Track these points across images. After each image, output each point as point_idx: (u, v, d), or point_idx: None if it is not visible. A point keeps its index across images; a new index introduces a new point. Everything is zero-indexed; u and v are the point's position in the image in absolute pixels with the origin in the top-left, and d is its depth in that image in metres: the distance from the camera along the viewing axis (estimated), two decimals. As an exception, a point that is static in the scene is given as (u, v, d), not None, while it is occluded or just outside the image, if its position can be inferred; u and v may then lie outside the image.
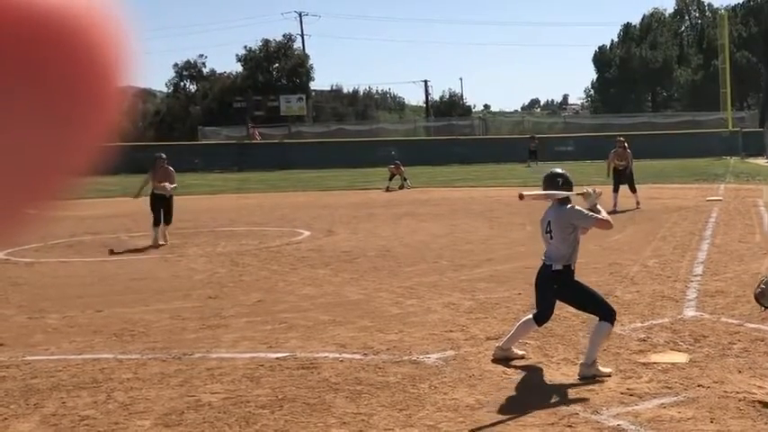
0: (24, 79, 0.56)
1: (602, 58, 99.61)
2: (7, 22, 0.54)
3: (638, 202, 23.40)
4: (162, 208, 18.63)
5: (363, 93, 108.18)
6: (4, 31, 0.54)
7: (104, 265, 15.78)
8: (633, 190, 23.68)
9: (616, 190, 23.47)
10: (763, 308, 7.80)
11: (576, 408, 6.80)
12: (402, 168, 37.51)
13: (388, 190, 35.44)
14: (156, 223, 18.59)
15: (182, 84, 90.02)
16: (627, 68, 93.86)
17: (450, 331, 9.54)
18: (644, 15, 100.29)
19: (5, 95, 0.55)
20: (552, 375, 7.71)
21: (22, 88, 0.56)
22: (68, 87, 0.57)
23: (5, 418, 6.95)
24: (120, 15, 0.60)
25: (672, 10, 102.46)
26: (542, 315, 8.23)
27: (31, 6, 0.55)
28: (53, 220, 0.64)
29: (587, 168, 44.97)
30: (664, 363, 8.00)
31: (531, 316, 8.32)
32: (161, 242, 18.39)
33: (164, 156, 19.33)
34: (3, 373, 8.24)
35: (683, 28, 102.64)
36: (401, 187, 36.12)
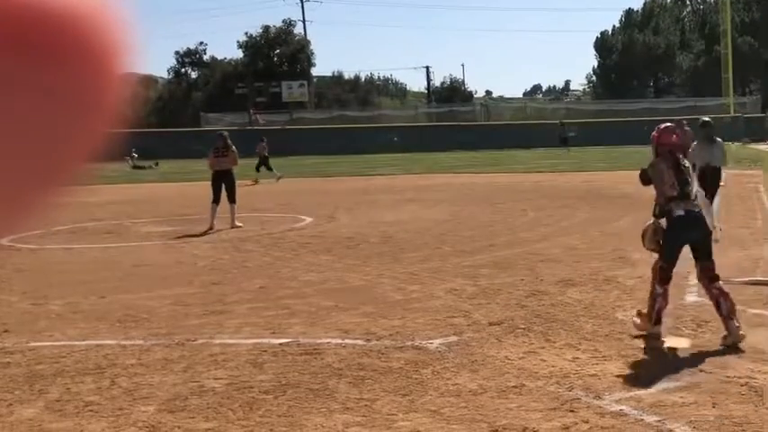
0: (29, 69, 0.56)
1: (603, 44, 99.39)
2: (10, 15, 0.55)
3: None
4: (223, 185, 18.41)
5: (365, 79, 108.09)
6: (6, 25, 0.55)
7: (107, 251, 15.80)
8: None
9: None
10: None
11: (579, 393, 6.82)
12: (266, 154, 34.25)
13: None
14: (216, 201, 18.38)
15: (183, 71, 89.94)
16: (629, 54, 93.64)
17: (453, 317, 9.55)
18: (645, 1, 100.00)
19: (11, 85, 0.56)
20: (555, 360, 7.73)
21: (28, 78, 0.57)
22: (74, 76, 0.58)
23: (10, 404, 6.98)
24: (121, 2, 0.60)
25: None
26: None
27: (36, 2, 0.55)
28: (63, 206, 0.65)
29: (589, 154, 44.93)
30: (666, 348, 8.02)
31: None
32: (235, 224, 18.20)
33: (225, 133, 19.31)
34: (7, 359, 8.27)
35: (684, 13, 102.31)
36: (258, 165, 33.31)
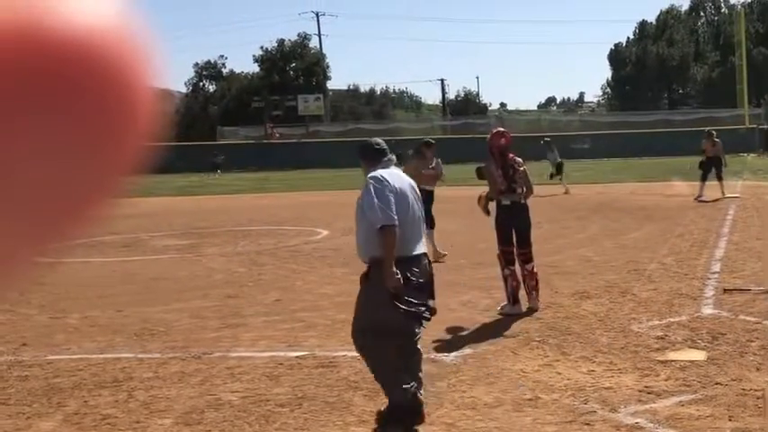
0: (60, 94, 0.59)
1: (618, 56, 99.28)
2: (33, 50, 0.58)
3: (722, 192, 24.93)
4: (428, 206, 14.70)
5: (380, 92, 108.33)
6: (31, 60, 0.57)
7: (124, 264, 15.87)
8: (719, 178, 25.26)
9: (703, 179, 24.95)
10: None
11: (594, 406, 6.82)
12: None
13: None
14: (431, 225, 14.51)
15: (201, 84, 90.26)
16: (643, 66, 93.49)
17: (468, 329, 9.57)
18: (660, 12, 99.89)
19: (43, 110, 0.59)
20: (570, 373, 7.73)
21: (59, 102, 0.59)
22: (104, 96, 0.61)
23: (29, 417, 7.03)
24: (143, 25, 0.63)
25: (688, 7, 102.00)
26: None
27: (54, 29, 0.58)
28: (107, 219, 0.69)
29: (603, 166, 44.83)
30: (682, 360, 8.01)
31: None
32: (442, 251, 15.11)
33: (432, 141, 15.83)
34: (26, 372, 8.32)
35: (699, 25, 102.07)
36: None
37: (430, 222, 14.32)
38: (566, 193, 28.64)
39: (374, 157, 6.88)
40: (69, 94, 0.58)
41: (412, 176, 14.05)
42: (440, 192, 15.98)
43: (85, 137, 0.60)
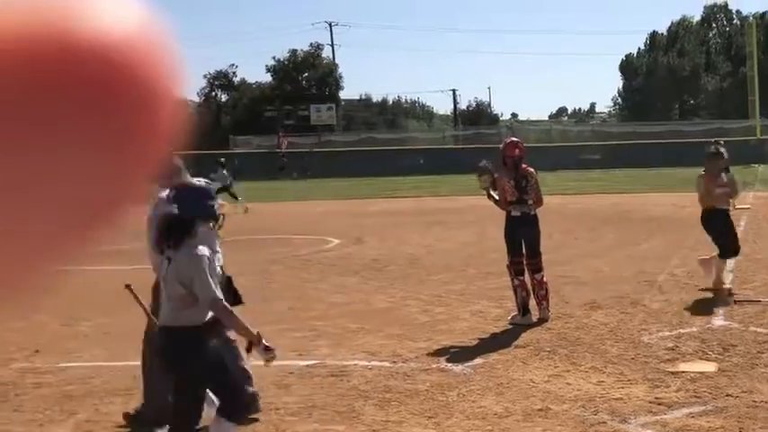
0: (90, 112, 0.62)
1: (629, 67, 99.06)
2: (60, 56, 0.60)
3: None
4: (726, 231, 12.29)
5: (392, 102, 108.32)
6: (58, 67, 0.60)
7: (135, 272, 15.87)
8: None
9: None
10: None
11: (604, 416, 6.83)
12: None
13: None
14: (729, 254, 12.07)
15: (213, 93, 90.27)
16: (654, 76, 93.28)
17: (478, 339, 9.58)
18: (671, 23, 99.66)
19: (76, 129, 0.61)
20: (580, 384, 7.74)
21: (89, 109, 0.62)
22: (129, 110, 0.63)
23: (41, 425, 7.07)
24: (166, 32, 0.66)
25: (699, 18, 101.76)
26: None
27: (82, 37, 0.61)
28: (124, 223, 0.72)
29: (614, 177, 44.69)
30: (692, 372, 8.01)
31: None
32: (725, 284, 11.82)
33: (721, 142, 13.00)
34: (39, 379, 8.36)
35: (710, 35, 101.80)
36: None
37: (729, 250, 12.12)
38: (246, 211, 28.43)
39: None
40: (96, 100, 0.61)
41: (706, 195, 12.50)
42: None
43: (110, 142, 0.63)
